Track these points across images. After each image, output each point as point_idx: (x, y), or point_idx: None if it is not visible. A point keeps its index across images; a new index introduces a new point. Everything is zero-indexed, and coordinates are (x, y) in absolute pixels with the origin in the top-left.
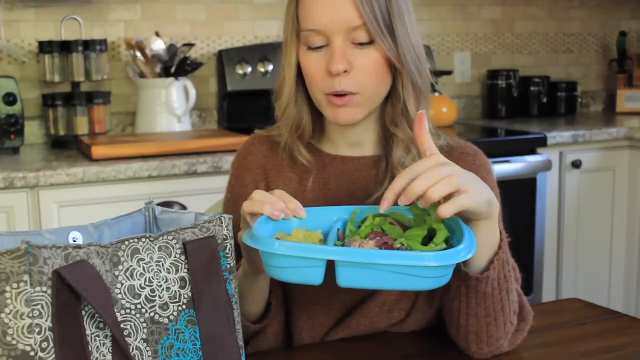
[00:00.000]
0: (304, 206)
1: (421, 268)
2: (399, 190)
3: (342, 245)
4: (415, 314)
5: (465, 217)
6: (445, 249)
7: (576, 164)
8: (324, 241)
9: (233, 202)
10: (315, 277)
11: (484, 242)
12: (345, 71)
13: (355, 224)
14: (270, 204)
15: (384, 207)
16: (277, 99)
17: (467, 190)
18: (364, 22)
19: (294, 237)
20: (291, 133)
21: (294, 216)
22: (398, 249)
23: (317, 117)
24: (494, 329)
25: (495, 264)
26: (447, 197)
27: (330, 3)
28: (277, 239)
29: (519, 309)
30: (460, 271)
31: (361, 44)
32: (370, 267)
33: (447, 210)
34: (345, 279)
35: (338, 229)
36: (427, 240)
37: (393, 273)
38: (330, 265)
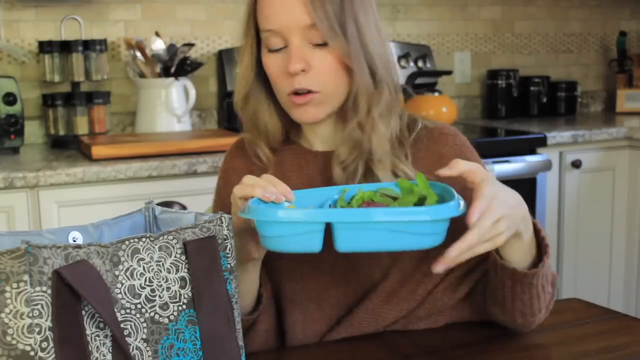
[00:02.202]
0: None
1: (417, 223)
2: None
3: None
4: (421, 308)
5: None
6: None
7: (576, 164)
8: None
9: (221, 203)
10: (314, 244)
11: (526, 249)
12: (303, 70)
13: (345, 201)
14: (262, 187)
15: (439, 269)
16: (236, 100)
17: (509, 215)
18: (315, 21)
19: None
20: (253, 132)
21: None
22: None
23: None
24: (537, 304)
25: (545, 261)
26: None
27: (282, 3)
28: None
29: None
30: (506, 269)
31: (318, 44)
32: (367, 228)
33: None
34: (344, 242)
35: (330, 205)
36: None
37: (390, 232)
38: (324, 260)
